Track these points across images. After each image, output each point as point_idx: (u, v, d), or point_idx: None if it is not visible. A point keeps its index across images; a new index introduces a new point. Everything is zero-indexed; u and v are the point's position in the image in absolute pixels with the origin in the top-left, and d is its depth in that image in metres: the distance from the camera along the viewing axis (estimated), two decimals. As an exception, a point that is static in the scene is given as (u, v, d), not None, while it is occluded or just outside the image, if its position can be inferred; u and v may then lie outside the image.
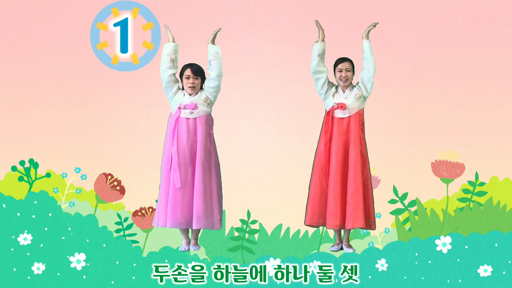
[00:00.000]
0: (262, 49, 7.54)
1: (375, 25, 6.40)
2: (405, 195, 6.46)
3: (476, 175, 6.45)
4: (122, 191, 6.50)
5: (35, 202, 6.28)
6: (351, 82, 6.44)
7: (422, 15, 7.56)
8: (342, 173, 6.33)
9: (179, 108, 6.34)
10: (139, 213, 6.37)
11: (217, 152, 6.42)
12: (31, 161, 6.48)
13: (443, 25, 7.55)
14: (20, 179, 6.45)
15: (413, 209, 6.43)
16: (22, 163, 6.48)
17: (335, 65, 6.43)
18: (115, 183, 6.49)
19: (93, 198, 6.48)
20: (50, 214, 6.26)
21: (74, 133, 7.34)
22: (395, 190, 6.47)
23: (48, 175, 6.48)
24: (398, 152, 7.20)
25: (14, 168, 6.47)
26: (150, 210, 6.40)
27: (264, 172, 7.21)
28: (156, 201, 6.46)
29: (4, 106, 7.43)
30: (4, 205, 6.26)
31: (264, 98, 7.49)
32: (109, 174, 6.51)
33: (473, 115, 7.38)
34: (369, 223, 6.32)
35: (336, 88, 6.45)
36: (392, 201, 6.46)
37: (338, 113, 6.40)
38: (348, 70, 6.40)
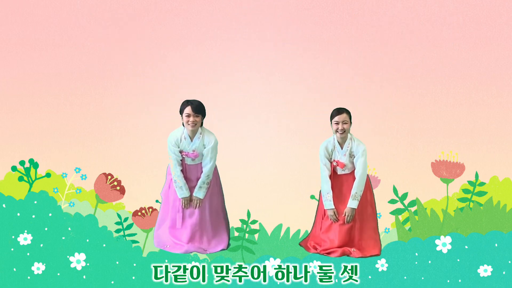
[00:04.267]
0: (262, 49, 7.54)
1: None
2: (405, 195, 6.46)
3: (476, 175, 6.45)
4: (122, 191, 6.50)
5: (35, 202, 6.28)
6: (349, 133, 6.37)
7: (422, 15, 7.56)
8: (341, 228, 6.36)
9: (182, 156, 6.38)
10: (139, 213, 6.37)
11: (220, 178, 6.50)
12: (31, 161, 6.48)
13: (443, 25, 7.56)
14: (20, 179, 6.45)
15: (413, 209, 6.43)
16: (22, 163, 6.48)
17: (332, 117, 6.32)
18: (115, 183, 6.49)
19: (93, 198, 6.48)
20: (50, 214, 6.26)
21: (74, 133, 7.34)
22: (395, 190, 6.47)
23: (48, 175, 6.48)
24: (398, 152, 7.20)
25: (14, 168, 6.47)
26: (150, 210, 6.40)
27: (264, 172, 7.22)
28: (157, 201, 6.48)
29: (4, 106, 7.44)
30: (4, 205, 6.26)
31: (264, 98, 7.50)
32: (109, 174, 6.51)
33: (473, 115, 7.38)
34: (352, 251, 6.30)
35: (334, 144, 6.37)
36: (392, 201, 6.46)
37: (339, 170, 6.39)
38: (345, 123, 6.29)
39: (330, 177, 6.34)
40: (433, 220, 6.40)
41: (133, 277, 5.92)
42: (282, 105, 7.49)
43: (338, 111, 6.30)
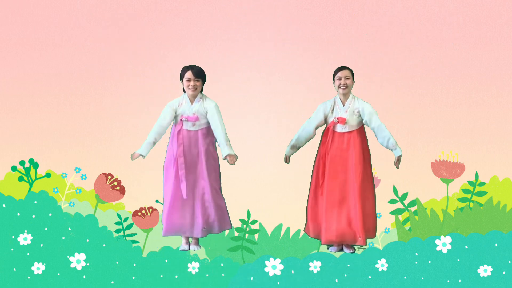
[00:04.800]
0: (262, 49, 7.54)
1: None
2: (405, 195, 6.46)
3: (476, 175, 6.45)
4: (122, 191, 6.50)
5: (35, 202, 6.27)
6: (351, 92, 6.36)
7: (422, 15, 7.56)
8: (340, 191, 6.32)
9: (181, 120, 6.34)
10: (139, 213, 6.37)
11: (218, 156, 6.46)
12: (31, 161, 6.48)
13: (443, 25, 7.56)
14: (20, 179, 6.45)
15: (413, 209, 6.43)
16: (22, 163, 6.47)
17: (334, 74, 6.34)
18: (115, 183, 6.49)
19: (93, 198, 6.48)
20: (50, 214, 6.25)
21: (74, 133, 7.34)
22: (395, 190, 6.46)
23: (48, 175, 6.48)
24: (398, 152, 7.18)
25: (14, 168, 6.47)
26: (150, 210, 6.40)
27: (264, 172, 7.21)
28: (157, 201, 6.47)
29: (4, 106, 7.44)
30: (4, 205, 6.26)
31: (264, 98, 7.50)
32: (109, 174, 6.51)
33: (473, 115, 7.38)
34: (359, 239, 6.28)
35: (335, 100, 6.40)
36: (392, 201, 6.46)
37: (338, 128, 6.37)
38: (347, 78, 6.30)
39: (326, 139, 6.32)
40: (433, 220, 6.40)
41: (133, 277, 5.92)
42: (282, 105, 7.49)
43: (341, 67, 6.33)
